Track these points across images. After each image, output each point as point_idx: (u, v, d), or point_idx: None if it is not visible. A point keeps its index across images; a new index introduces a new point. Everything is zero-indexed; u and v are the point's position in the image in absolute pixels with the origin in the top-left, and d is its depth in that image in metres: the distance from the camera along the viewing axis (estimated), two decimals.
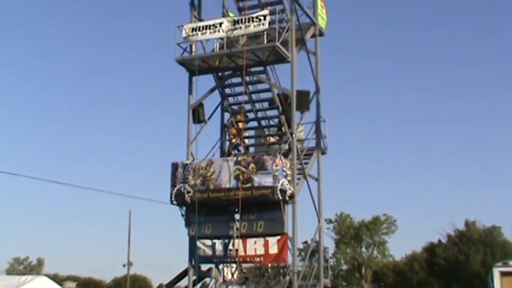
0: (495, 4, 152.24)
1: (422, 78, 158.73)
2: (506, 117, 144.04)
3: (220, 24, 26.50)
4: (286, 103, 26.32)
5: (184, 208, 26.20)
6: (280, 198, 24.25)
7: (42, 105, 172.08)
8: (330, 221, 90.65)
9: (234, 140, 28.00)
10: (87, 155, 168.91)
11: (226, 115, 29.25)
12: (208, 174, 25.36)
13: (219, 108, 29.18)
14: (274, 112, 28.08)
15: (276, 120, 28.26)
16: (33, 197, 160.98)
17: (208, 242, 25.81)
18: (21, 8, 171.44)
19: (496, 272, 18.94)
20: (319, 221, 28.35)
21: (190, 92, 27.82)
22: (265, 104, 28.41)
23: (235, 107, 28.40)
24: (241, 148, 28.21)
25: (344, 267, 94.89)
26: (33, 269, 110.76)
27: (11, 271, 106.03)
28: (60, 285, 33.50)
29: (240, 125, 27.97)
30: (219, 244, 25.64)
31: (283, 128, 27.65)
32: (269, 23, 25.76)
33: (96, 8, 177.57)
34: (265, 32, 25.91)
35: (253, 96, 28.20)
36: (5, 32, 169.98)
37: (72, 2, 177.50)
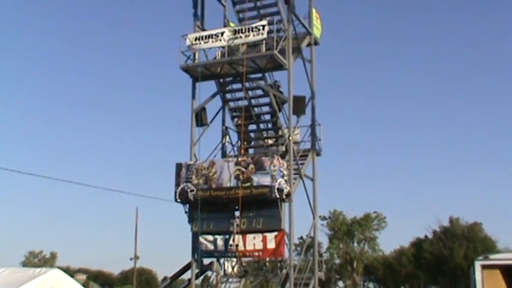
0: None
1: (409, 85, 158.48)
2: (488, 121, 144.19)
3: (222, 33, 26.43)
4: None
5: (187, 206, 26.12)
6: (278, 196, 24.18)
7: (58, 110, 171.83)
8: (324, 218, 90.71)
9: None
10: (98, 156, 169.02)
11: (228, 119, 29.12)
12: (210, 174, 25.33)
13: (221, 112, 29.07)
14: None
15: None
16: (48, 195, 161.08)
17: (210, 237, 25.73)
18: (26, 21, 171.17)
19: (478, 265, 18.80)
20: (314, 218, 28.19)
21: (193, 97, 27.73)
22: (264, 108, 28.30)
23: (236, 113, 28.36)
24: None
25: (337, 261, 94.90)
26: (47, 262, 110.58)
27: (26, 264, 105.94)
28: (72, 277, 33.31)
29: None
30: (220, 239, 25.54)
31: (280, 131, 27.71)
32: (267, 33, 25.65)
33: (106, 20, 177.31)
34: (263, 41, 25.84)
35: (253, 101, 28.13)
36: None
37: (82, 14, 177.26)
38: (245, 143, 29.11)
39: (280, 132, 27.95)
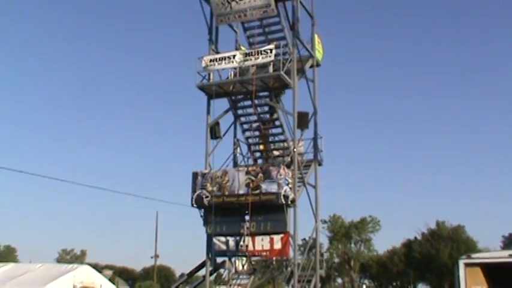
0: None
1: (398, 104, 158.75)
2: (466, 139, 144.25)
3: (234, 56, 26.36)
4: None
5: (202, 210, 25.89)
6: (284, 202, 24.01)
7: (95, 129, 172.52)
8: (324, 222, 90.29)
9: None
10: (126, 167, 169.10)
11: (239, 132, 29.02)
12: (223, 182, 25.15)
13: (233, 126, 28.92)
14: (279, 130, 27.87)
15: (281, 136, 28.02)
16: (81, 201, 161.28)
17: (223, 238, 25.54)
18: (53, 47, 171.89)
19: (461, 263, 18.76)
20: (315, 222, 28.05)
21: (208, 112, 27.54)
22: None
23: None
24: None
25: (336, 260, 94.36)
26: (78, 258, 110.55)
27: (59, 260, 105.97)
28: (100, 272, 33.15)
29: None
30: (232, 240, 25.36)
31: (286, 143, 27.55)
32: (275, 55, 25.62)
33: (131, 47, 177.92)
34: (271, 63, 25.80)
35: (261, 117, 27.96)
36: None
37: (108, 40, 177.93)
38: (254, 153, 29.09)
39: (286, 145, 27.79)
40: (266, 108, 28.15)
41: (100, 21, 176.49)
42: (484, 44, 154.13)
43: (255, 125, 28.05)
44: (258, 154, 29.22)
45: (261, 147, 28.62)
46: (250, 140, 28.91)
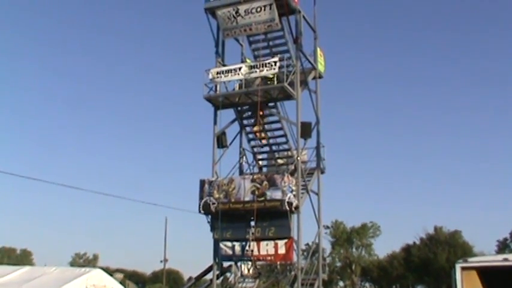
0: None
1: (394, 114, 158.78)
2: (462, 149, 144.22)
3: (240, 68, 26.41)
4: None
5: (209, 216, 25.87)
6: (288, 209, 23.99)
7: (106, 137, 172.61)
8: (327, 227, 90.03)
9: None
10: (136, 174, 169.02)
11: (245, 141, 28.99)
12: (230, 189, 25.14)
13: (238, 135, 28.92)
14: (283, 139, 27.84)
15: (285, 146, 27.99)
16: (94, 207, 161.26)
17: (229, 244, 25.54)
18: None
19: (458, 267, 18.60)
20: (318, 227, 27.99)
21: (215, 122, 27.54)
22: (276, 133, 28.21)
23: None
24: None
25: (338, 264, 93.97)
26: (90, 262, 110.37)
27: (73, 264, 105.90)
28: (111, 275, 33.09)
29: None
30: (237, 246, 25.36)
31: (289, 152, 27.52)
32: (279, 68, 25.67)
33: (141, 61, 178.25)
34: (275, 75, 25.71)
35: (266, 126, 27.98)
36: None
37: (114, 52, 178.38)
38: (260, 162, 29.09)
39: (289, 153, 27.75)
40: (271, 119, 28.10)
41: (108, 33, 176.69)
42: (485, 56, 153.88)
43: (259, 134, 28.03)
44: (262, 163, 29.23)
45: (255, 128, 28.14)
46: (255, 149, 28.89)
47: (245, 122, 28.39)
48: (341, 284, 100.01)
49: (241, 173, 28.59)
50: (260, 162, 29.33)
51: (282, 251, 24.47)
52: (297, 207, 24.53)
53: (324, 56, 29.98)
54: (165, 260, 66.55)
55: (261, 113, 26.70)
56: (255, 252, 24.79)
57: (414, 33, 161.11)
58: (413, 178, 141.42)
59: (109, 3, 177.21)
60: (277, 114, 27.64)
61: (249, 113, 27.94)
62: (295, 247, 24.77)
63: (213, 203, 25.25)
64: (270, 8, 26.07)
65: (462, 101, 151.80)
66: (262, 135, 28.00)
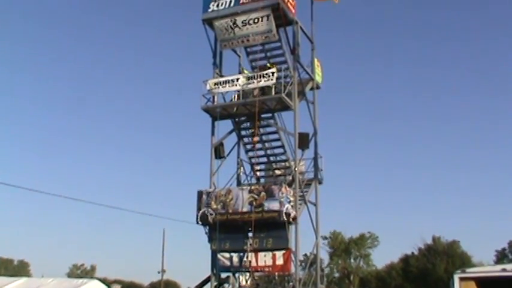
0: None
1: (392, 124, 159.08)
2: (458, 157, 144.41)
3: (237, 79, 26.43)
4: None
5: (207, 227, 25.83)
6: (285, 219, 23.96)
7: (102, 148, 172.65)
8: (325, 238, 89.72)
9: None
10: (134, 184, 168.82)
11: (242, 152, 28.98)
12: (227, 200, 25.12)
13: (236, 146, 28.91)
14: (281, 150, 27.84)
15: (282, 156, 27.99)
16: (91, 217, 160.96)
17: (227, 254, 25.48)
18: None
19: (456, 278, 18.65)
20: (316, 238, 27.95)
21: (212, 133, 27.54)
22: (274, 143, 28.18)
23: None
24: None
25: (336, 275, 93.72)
26: (88, 273, 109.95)
27: (70, 275, 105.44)
28: (109, 287, 33.02)
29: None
30: (235, 256, 25.32)
31: (287, 163, 27.52)
32: (276, 79, 25.70)
33: (139, 73, 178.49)
34: (273, 86, 25.79)
35: (264, 137, 28.01)
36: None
37: (112, 62, 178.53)
38: (257, 173, 29.08)
39: (287, 164, 27.74)
40: (268, 129, 28.12)
41: (105, 44, 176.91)
42: (483, 62, 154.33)
43: (257, 145, 28.07)
44: (260, 173, 29.22)
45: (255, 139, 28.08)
46: (253, 160, 28.89)
47: (243, 132, 28.38)
48: None
49: (239, 183, 28.57)
50: (258, 173, 29.31)
51: (279, 262, 24.42)
52: (294, 218, 24.53)
53: (321, 67, 30.05)
54: (163, 271, 66.53)
55: (258, 123, 26.74)
56: (253, 263, 24.73)
57: (412, 43, 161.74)
58: (411, 188, 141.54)
59: (106, 14, 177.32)
60: (275, 125, 27.64)
61: (247, 123, 27.94)
62: (293, 258, 24.72)
63: (211, 214, 25.22)
64: (268, 19, 26.11)
65: (461, 110, 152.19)
66: (260, 145, 28.07)
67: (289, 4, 26.95)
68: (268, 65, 26.77)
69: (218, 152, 27.26)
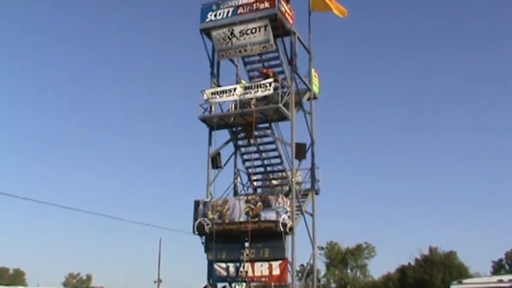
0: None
1: (387, 135, 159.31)
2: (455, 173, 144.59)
3: (235, 89, 26.48)
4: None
5: (204, 237, 25.77)
6: (282, 230, 23.91)
7: (98, 157, 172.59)
8: (321, 248, 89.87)
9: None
10: (130, 194, 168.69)
11: (239, 162, 29.00)
12: (224, 210, 25.07)
13: (233, 156, 28.90)
14: (278, 160, 27.84)
15: (279, 167, 28.00)
16: (88, 226, 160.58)
17: (223, 264, 25.39)
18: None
19: None
20: (313, 248, 27.86)
21: (209, 143, 27.52)
22: (271, 153, 28.23)
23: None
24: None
25: (333, 285, 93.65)
26: (84, 283, 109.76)
27: (66, 284, 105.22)
28: None
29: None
30: (232, 267, 25.21)
31: (284, 173, 27.51)
32: (274, 89, 25.72)
33: (136, 82, 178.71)
34: (270, 96, 25.78)
35: (261, 147, 28.03)
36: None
37: (110, 72, 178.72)
38: (254, 183, 29.08)
39: (284, 174, 27.74)
40: (265, 139, 28.13)
41: (103, 54, 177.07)
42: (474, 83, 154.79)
43: (254, 155, 28.09)
44: (257, 183, 29.21)
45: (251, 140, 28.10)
46: (250, 170, 28.88)
47: (240, 142, 28.39)
48: None
49: (235, 193, 28.55)
50: (255, 183, 29.27)
51: (276, 272, 24.33)
52: (291, 228, 24.47)
53: (318, 77, 30.09)
54: (159, 281, 66.26)
55: (255, 133, 26.78)
56: (249, 273, 24.63)
57: (409, 54, 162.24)
58: (408, 199, 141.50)
59: (104, 24, 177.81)
60: (272, 135, 27.67)
61: (244, 134, 27.93)
62: (289, 268, 24.64)
63: (208, 224, 25.19)
64: (265, 30, 26.18)
65: (459, 121, 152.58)
66: (257, 155, 28.09)
67: (286, 14, 27.04)
68: (271, 73, 26.77)
69: (215, 161, 27.24)
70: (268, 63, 28.14)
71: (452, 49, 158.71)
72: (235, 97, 26.33)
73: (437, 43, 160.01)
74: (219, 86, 27.66)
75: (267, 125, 27.50)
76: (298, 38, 27.83)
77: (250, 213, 24.47)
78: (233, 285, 26.65)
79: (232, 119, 27.17)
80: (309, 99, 28.96)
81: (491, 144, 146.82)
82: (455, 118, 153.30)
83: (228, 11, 26.96)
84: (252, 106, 26.22)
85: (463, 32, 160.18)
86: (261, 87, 25.84)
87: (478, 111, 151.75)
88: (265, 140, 28.14)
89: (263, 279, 24.78)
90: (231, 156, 28.73)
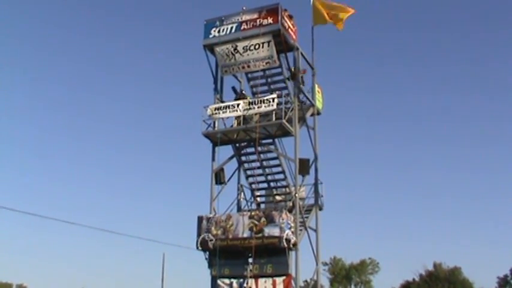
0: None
1: (392, 148, 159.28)
2: (461, 186, 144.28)
3: (238, 105, 26.50)
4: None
5: (207, 253, 25.71)
6: (286, 245, 23.84)
7: (102, 173, 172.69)
8: (325, 264, 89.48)
9: None
10: (134, 210, 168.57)
11: (243, 178, 29.01)
12: (228, 226, 25.03)
13: (237, 172, 28.94)
14: (281, 176, 27.87)
15: (283, 182, 28.03)
16: (91, 242, 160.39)
17: (227, 280, 25.29)
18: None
19: None
20: (317, 264, 27.81)
21: (213, 159, 27.53)
22: (274, 169, 28.27)
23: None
24: None
25: None
26: None
27: None
28: None
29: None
30: (235, 283, 25.13)
31: (287, 189, 27.53)
32: (277, 104, 25.79)
33: (140, 97, 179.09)
34: (273, 111, 25.94)
35: (264, 163, 28.09)
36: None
37: (113, 87, 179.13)
38: (258, 199, 29.09)
39: (287, 190, 27.75)
40: (269, 155, 28.17)
41: (106, 67, 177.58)
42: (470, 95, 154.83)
43: (257, 171, 28.14)
44: (260, 199, 29.22)
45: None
46: (253, 186, 28.90)
47: (243, 158, 28.42)
48: None
49: (239, 209, 28.53)
50: (258, 199, 29.27)
51: None
52: (295, 244, 24.42)
53: (322, 93, 30.09)
54: None
55: (259, 149, 26.82)
56: None
57: (413, 69, 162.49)
58: (413, 214, 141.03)
59: (106, 38, 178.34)
60: (275, 150, 27.70)
61: (247, 149, 28.00)
62: (293, 284, 24.55)
63: (211, 240, 25.14)
64: (269, 45, 26.29)
65: (462, 135, 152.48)
66: (260, 171, 28.14)
67: (289, 30, 27.16)
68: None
69: (218, 177, 27.23)
70: (272, 79, 28.29)
71: (458, 64, 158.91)
72: (239, 113, 26.33)
73: (443, 58, 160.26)
74: (222, 101, 27.70)
75: (270, 140, 27.55)
76: (302, 54, 27.91)
77: (254, 229, 24.42)
78: None
79: (235, 134, 27.20)
80: (312, 114, 28.99)
81: (497, 158, 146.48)
82: (462, 132, 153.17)
83: (232, 27, 27.10)
84: (255, 122, 26.30)
85: (469, 47, 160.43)
86: (264, 102, 25.92)
87: (486, 124, 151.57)
88: (269, 155, 28.16)
89: None
90: (234, 171, 28.75)
